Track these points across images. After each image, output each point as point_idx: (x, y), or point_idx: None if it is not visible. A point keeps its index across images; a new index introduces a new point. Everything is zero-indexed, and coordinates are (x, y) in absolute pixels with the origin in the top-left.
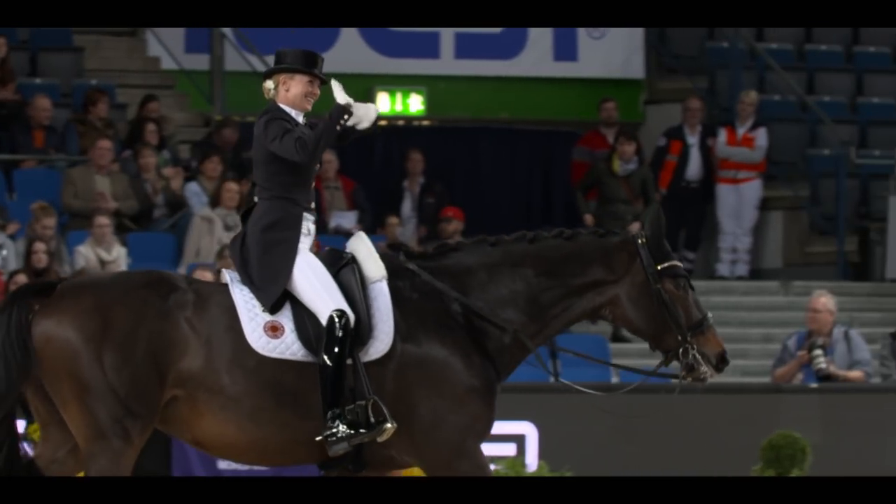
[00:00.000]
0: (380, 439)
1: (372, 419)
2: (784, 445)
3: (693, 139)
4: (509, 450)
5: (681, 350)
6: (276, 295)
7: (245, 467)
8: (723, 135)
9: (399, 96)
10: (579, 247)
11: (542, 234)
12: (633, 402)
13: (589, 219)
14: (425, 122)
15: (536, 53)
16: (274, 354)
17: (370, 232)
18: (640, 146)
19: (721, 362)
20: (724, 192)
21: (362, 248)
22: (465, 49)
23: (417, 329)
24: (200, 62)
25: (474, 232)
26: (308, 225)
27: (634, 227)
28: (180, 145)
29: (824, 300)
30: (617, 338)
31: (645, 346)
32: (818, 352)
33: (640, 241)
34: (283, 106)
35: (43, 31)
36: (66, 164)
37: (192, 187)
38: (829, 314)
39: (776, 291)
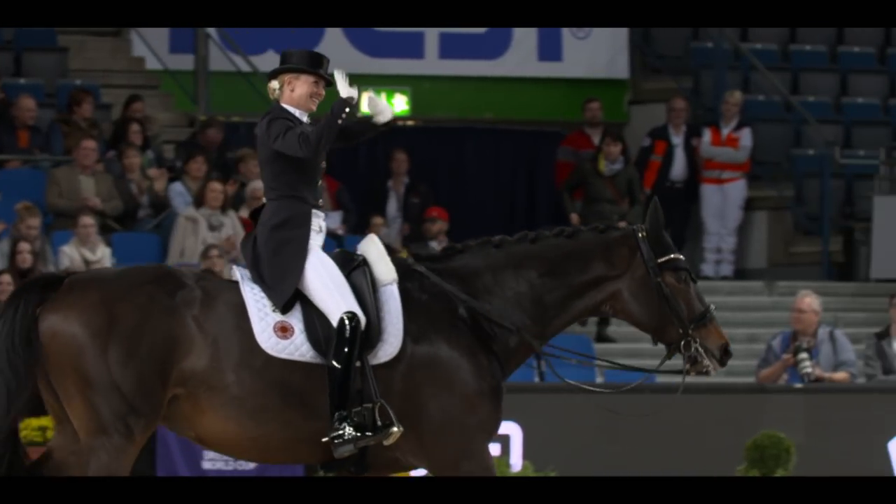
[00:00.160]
0: (386, 443)
1: (378, 422)
2: (769, 445)
3: (677, 139)
4: (494, 450)
5: (683, 343)
6: (289, 294)
7: (229, 467)
8: (707, 135)
9: (383, 96)
10: (580, 244)
11: (543, 233)
12: (619, 401)
13: (575, 218)
14: (410, 123)
15: (521, 53)
16: (283, 355)
17: (355, 232)
18: (625, 146)
19: (724, 355)
20: (708, 192)
21: (373, 250)
22: (449, 49)
23: (427, 331)
24: (185, 62)
25: (459, 232)
26: (319, 222)
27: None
28: (165, 145)
29: (809, 300)
30: (601, 338)
31: (630, 346)
32: (804, 355)
33: (640, 235)
34: (286, 106)
35: (27, 31)
36: (50, 165)
37: (177, 187)
38: (813, 314)
39: (761, 291)
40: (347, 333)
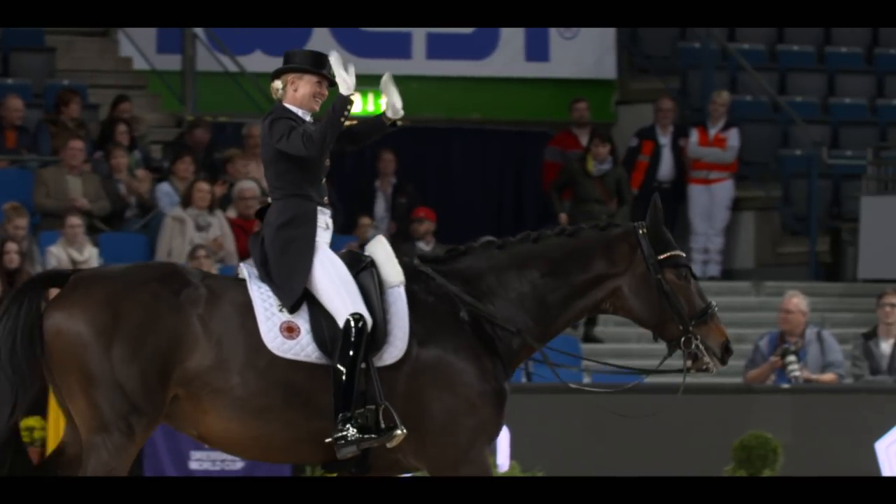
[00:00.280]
0: (389, 445)
1: (382, 425)
2: (756, 446)
3: (665, 139)
4: None
5: (683, 340)
6: (298, 293)
7: (216, 468)
8: (694, 135)
9: (371, 96)
10: (581, 242)
11: (545, 232)
12: (607, 402)
13: (564, 218)
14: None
15: (508, 54)
16: (288, 355)
17: (342, 232)
18: (614, 147)
19: (725, 352)
20: (695, 192)
21: (381, 251)
22: (436, 49)
23: (432, 332)
24: (172, 62)
25: (446, 232)
26: (325, 219)
27: None
28: (152, 146)
29: (796, 301)
30: (589, 338)
31: (618, 346)
32: (791, 358)
33: (640, 232)
34: (289, 106)
35: (14, 31)
36: (37, 165)
37: (164, 188)
38: (801, 315)
39: (748, 292)
40: (353, 335)
